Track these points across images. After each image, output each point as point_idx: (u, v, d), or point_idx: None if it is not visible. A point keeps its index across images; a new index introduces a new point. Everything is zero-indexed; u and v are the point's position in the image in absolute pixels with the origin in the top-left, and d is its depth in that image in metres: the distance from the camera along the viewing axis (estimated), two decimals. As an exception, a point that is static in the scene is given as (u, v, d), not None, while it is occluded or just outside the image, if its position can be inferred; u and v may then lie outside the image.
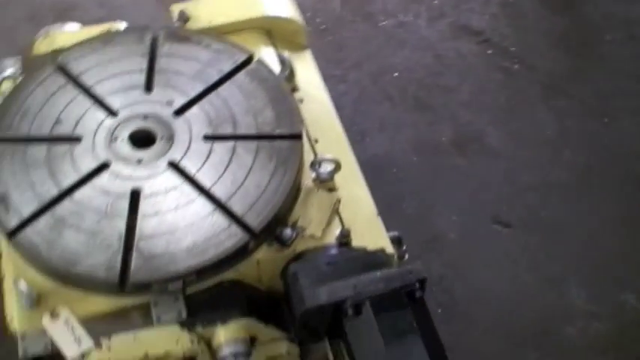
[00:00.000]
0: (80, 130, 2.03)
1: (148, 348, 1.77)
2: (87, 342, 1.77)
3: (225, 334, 1.83)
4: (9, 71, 2.21)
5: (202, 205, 1.91)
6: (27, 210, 1.87)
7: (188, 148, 2.01)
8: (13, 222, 1.85)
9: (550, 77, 3.25)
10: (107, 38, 2.26)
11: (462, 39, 3.38)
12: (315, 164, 2.03)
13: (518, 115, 3.09)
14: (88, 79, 2.14)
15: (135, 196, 1.91)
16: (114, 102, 2.10)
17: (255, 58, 2.21)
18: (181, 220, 1.87)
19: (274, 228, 1.92)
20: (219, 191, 1.93)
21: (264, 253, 1.92)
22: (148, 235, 1.84)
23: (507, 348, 2.42)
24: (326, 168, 2.03)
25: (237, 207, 1.90)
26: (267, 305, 1.97)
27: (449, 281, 2.52)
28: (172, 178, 1.96)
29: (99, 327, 1.81)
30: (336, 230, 1.98)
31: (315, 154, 2.12)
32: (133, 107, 2.10)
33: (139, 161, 1.98)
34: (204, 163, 1.99)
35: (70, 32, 2.47)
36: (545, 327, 2.54)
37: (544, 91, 3.20)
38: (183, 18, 2.37)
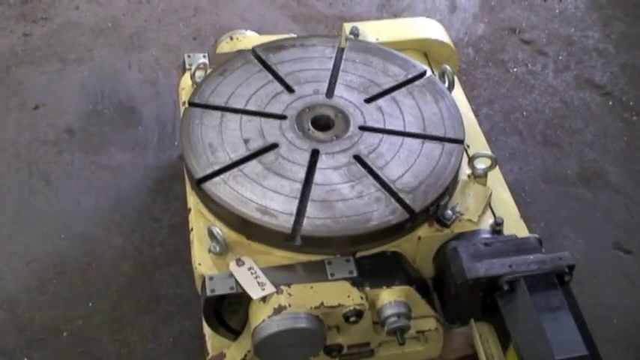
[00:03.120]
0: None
1: (323, 298, 1.97)
2: (270, 287, 1.98)
3: (389, 297, 2.02)
4: (201, 61, 2.49)
5: None
6: None
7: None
8: None
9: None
10: (303, 41, 2.58)
11: (586, 90, 3.57)
12: (472, 160, 2.23)
13: (639, 158, 3.24)
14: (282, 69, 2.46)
15: None
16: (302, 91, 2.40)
17: (428, 74, 2.48)
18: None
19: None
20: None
21: (425, 231, 2.12)
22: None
23: (628, 358, 2.54)
24: (482, 165, 2.24)
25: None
26: (418, 284, 2.15)
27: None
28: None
29: (277, 276, 2.01)
30: (489, 219, 2.18)
31: (469, 155, 2.32)
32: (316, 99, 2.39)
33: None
34: None
35: (250, 36, 2.77)
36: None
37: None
38: (355, 33, 2.64)
